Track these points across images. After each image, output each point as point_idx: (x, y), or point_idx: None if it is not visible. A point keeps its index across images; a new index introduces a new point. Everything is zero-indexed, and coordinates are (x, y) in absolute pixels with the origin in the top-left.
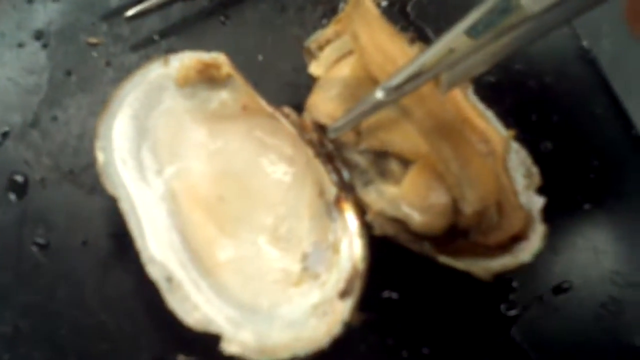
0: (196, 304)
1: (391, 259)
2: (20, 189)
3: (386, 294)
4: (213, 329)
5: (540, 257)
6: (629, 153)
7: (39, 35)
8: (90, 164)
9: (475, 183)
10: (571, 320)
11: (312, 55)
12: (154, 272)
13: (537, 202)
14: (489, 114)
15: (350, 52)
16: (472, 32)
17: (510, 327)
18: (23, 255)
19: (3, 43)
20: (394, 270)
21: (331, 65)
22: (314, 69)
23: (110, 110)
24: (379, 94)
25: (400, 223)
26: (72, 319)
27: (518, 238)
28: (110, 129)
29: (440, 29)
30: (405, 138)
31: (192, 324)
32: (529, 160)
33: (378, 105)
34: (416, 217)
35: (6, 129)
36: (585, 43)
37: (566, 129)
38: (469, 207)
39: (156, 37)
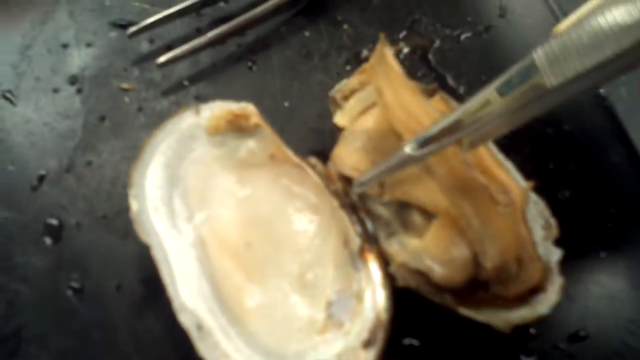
0: (226, 352)
1: (413, 309)
2: (56, 233)
3: (407, 341)
4: None
5: (557, 305)
6: None
7: (73, 80)
8: (124, 209)
9: (495, 239)
10: None
11: (337, 105)
12: (185, 320)
13: (555, 254)
14: (509, 164)
15: (374, 104)
16: (502, 90)
17: None
18: (59, 300)
19: (39, 87)
20: (416, 320)
21: (356, 117)
22: (339, 119)
23: (143, 158)
24: (406, 151)
25: (423, 275)
26: None
27: (536, 290)
28: (144, 178)
29: (460, 75)
30: (427, 192)
31: None
32: (547, 212)
33: (404, 163)
34: (438, 270)
35: (42, 172)
36: (602, 90)
37: (584, 177)
38: (489, 262)
39: (186, 83)
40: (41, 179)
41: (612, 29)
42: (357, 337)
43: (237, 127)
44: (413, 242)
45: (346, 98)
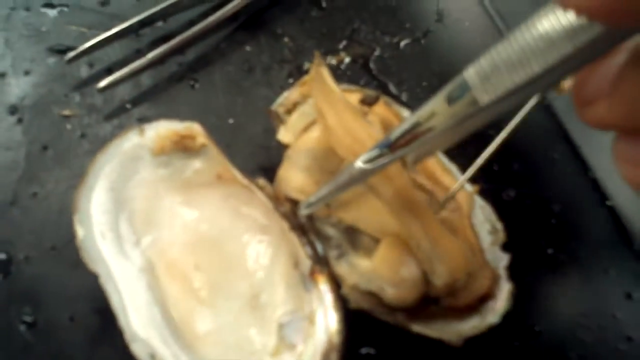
0: None
1: (367, 328)
2: (4, 268)
3: (363, 351)
4: None
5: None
6: (588, 195)
7: (13, 110)
8: (72, 239)
9: (445, 258)
10: None
11: (280, 120)
12: (138, 350)
13: (503, 259)
14: (453, 168)
15: (316, 120)
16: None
17: None
18: (12, 335)
19: None
20: (370, 338)
21: (299, 133)
22: (282, 135)
23: (87, 183)
24: (357, 166)
25: (374, 296)
26: None
27: (486, 297)
28: (89, 202)
29: (402, 82)
30: (373, 214)
31: None
32: (493, 216)
33: (353, 180)
34: (389, 291)
35: None
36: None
37: (527, 176)
38: (439, 280)
39: (128, 106)
40: None
41: (538, 45)
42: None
43: (182, 147)
44: (363, 263)
45: (289, 111)
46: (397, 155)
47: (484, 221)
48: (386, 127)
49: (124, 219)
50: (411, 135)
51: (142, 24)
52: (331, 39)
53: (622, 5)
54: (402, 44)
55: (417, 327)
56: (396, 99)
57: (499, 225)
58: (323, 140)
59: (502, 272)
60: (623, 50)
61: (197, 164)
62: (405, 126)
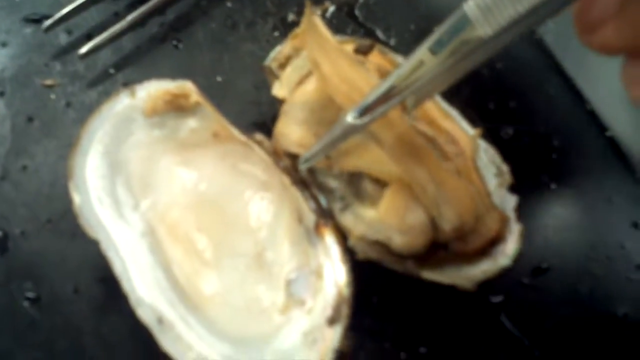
0: (189, 344)
1: (376, 279)
2: (1, 245)
3: (374, 300)
4: None
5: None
6: (586, 128)
7: None
8: (68, 210)
9: (451, 201)
10: (554, 299)
11: (274, 75)
12: (144, 315)
13: (511, 201)
14: (454, 113)
15: (311, 72)
16: (434, 49)
17: (499, 314)
18: (16, 313)
19: None
20: (378, 281)
21: (294, 87)
22: (277, 90)
23: (81, 147)
24: (348, 120)
25: (382, 245)
26: None
27: (496, 240)
28: (83, 168)
29: (389, 28)
30: (376, 161)
31: None
32: (498, 158)
33: (347, 133)
34: (397, 239)
35: None
36: None
37: (524, 113)
38: (447, 224)
39: (112, 71)
40: None
41: None
42: (321, 314)
43: (176, 107)
44: (368, 212)
45: (282, 66)
46: (388, 106)
47: (489, 164)
48: (382, 74)
49: (121, 183)
50: (404, 84)
51: None
52: None
53: None
54: None
55: (428, 274)
56: (385, 44)
57: (505, 167)
58: (319, 92)
59: (511, 213)
60: None
61: (191, 123)
62: (397, 75)
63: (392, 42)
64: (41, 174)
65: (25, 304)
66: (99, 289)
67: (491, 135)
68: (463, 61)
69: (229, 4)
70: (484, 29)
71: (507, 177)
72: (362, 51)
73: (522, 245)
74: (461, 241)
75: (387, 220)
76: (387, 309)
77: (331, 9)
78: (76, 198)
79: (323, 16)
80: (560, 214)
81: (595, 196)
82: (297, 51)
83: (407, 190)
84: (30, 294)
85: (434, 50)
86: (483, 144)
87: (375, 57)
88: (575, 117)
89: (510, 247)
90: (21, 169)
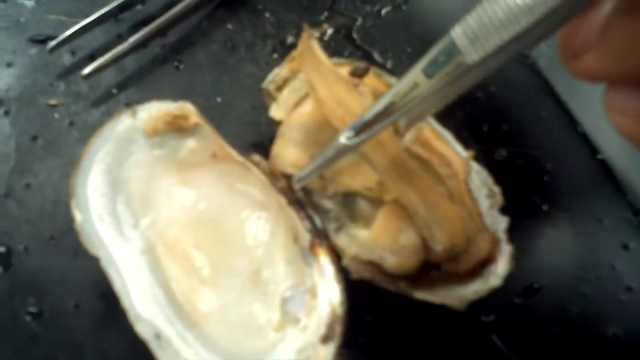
0: (186, 359)
1: (369, 299)
2: (5, 260)
3: (368, 319)
4: None
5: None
6: (578, 150)
7: None
8: (70, 227)
9: (443, 224)
10: (545, 318)
11: (272, 97)
12: (142, 330)
13: (502, 222)
14: (448, 135)
15: (308, 94)
16: (428, 72)
17: (490, 333)
18: (19, 327)
19: None
20: (372, 308)
21: (291, 109)
22: (274, 112)
23: (82, 167)
24: (341, 141)
25: (375, 265)
26: None
27: (487, 261)
28: (85, 186)
29: (386, 50)
30: (368, 182)
31: None
32: (490, 180)
33: (340, 153)
34: (389, 259)
35: None
36: None
37: (517, 135)
38: (439, 246)
39: (115, 91)
40: None
41: (525, 2)
42: (315, 332)
43: (176, 128)
44: (362, 233)
45: (279, 88)
46: (380, 127)
47: (481, 185)
48: (377, 97)
49: (121, 201)
50: (395, 107)
51: (121, 8)
52: (312, 12)
53: None
54: (384, 11)
55: (420, 294)
56: (381, 67)
57: (496, 189)
58: (315, 114)
59: (502, 235)
60: (609, 0)
61: (191, 143)
62: (389, 97)
63: (389, 64)
64: (44, 192)
65: (28, 318)
66: (99, 305)
67: (485, 157)
68: (453, 84)
69: (229, 26)
70: (470, 56)
71: (499, 199)
72: (358, 74)
73: (513, 265)
74: (453, 262)
75: (379, 241)
76: (381, 328)
77: (329, 31)
78: (78, 216)
79: (321, 38)
80: (552, 235)
81: (586, 218)
82: (294, 73)
83: (399, 211)
84: (33, 309)
85: (427, 73)
86: (475, 166)
87: (371, 80)
88: (567, 139)
89: (501, 268)
90: (25, 186)
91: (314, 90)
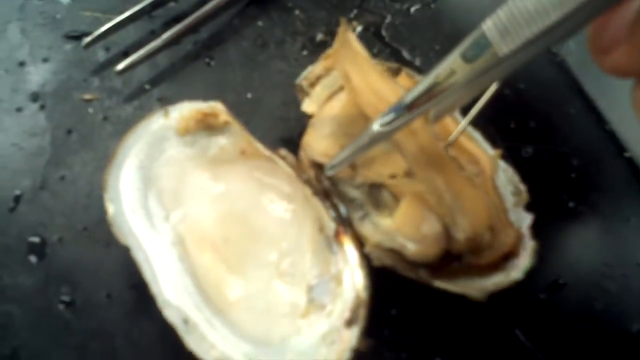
0: (213, 343)
1: (393, 285)
2: (40, 251)
3: (393, 312)
4: None
5: (530, 269)
6: (606, 148)
7: (35, 97)
8: (103, 219)
9: (467, 211)
10: (569, 314)
11: (304, 93)
12: (171, 315)
13: (526, 219)
14: (476, 134)
15: (340, 89)
16: (466, 57)
17: (514, 327)
18: (52, 315)
19: (2, 109)
20: (397, 295)
21: (323, 103)
22: (307, 106)
23: (116, 162)
24: (374, 128)
25: (397, 253)
26: None
27: (509, 255)
28: (118, 181)
29: (415, 47)
30: (395, 169)
31: None
32: (516, 178)
33: (373, 140)
34: (411, 247)
35: (17, 193)
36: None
37: (544, 133)
38: (461, 234)
39: (147, 87)
40: (17, 199)
41: None
42: (340, 317)
43: (206, 126)
44: (385, 221)
45: (312, 85)
46: (413, 116)
47: (507, 183)
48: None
49: (153, 196)
50: (428, 96)
51: (155, 5)
52: (342, 9)
53: None
54: (413, 9)
55: (440, 283)
56: (410, 64)
57: (522, 187)
58: (347, 107)
59: (526, 231)
60: None
61: (221, 141)
62: (422, 86)
63: (417, 61)
64: (78, 185)
65: (61, 307)
66: (130, 295)
67: (512, 154)
68: (483, 76)
69: (259, 23)
70: (501, 48)
71: (524, 196)
72: (390, 73)
73: (536, 260)
74: (476, 255)
75: (401, 229)
76: (405, 320)
77: (358, 28)
78: (110, 208)
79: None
80: (578, 232)
81: (612, 215)
82: (327, 71)
83: (422, 201)
84: (66, 298)
85: (465, 59)
86: (502, 164)
87: (403, 80)
88: (594, 137)
89: (523, 262)
90: (59, 179)
91: (348, 80)
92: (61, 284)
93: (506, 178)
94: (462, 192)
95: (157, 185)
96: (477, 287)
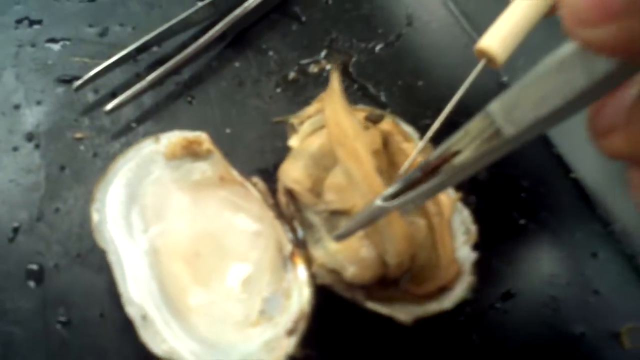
0: (165, 338)
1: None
2: (38, 276)
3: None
4: (177, 358)
5: (489, 269)
6: (553, 170)
7: (30, 137)
8: (95, 246)
9: (394, 240)
10: (520, 320)
11: (294, 129)
12: (132, 312)
13: (470, 257)
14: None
15: (323, 127)
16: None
17: (471, 333)
18: (50, 334)
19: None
20: (337, 312)
21: (305, 138)
22: (292, 141)
23: (106, 179)
24: (377, 204)
25: (337, 274)
26: None
27: (446, 288)
28: (105, 194)
29: (379, 83)
30: (351, 199)
31: (160, 354)
32: (469, 219)
33: (375, 215)
34: (349, 269)
35: (16, 225)
36: (505, 78)
37: None
38: (391, 260)
39: (134, 125)
40: (15, 230)
41: (557, 81)
42: (283, 327)
43: (191, 153)
44: (332, 245)
45: (301, 123)
46: (415, 194)
47: (460, 224)
48: (386, 139)
49: (136, 211)
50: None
51: (139, 50)
52: (312, 50)
53: (630, 41)
54: (377, 48)
55: (372, 305)
56: (375, 99)
57: (473, 228)
58: (324, 142)
59: (468, 267)
60: (637, 82)
61: (203, 167)
62: (425, 162)
63: (382, 96)
64: (72, 216)
65: (58, 326)
66: (121, 314)
67: (469, 178)
68: (487, 156)
69: (237, 64)
70: (506, 129)
71: (473, 236)
72: (372, 119)
73: (470, 294)
74: (416, 284)
75: (343, 252)
76: (359, 325)
77: (327, 67)
78: (95, 216)
79: (320, 74)
80: (528, 246)
81: (560, 230)
82: (318, 112)
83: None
84: (62, 318)
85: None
86: (459, 206)
87: (388, 125)
88: (543, 160)
89: (456, 294)
90: (54, 211)
91: (323, 113)
92: (58, 306)
93: (461, 219)
94: (391, 221)
95: (141, 201)
96: (407, 311)
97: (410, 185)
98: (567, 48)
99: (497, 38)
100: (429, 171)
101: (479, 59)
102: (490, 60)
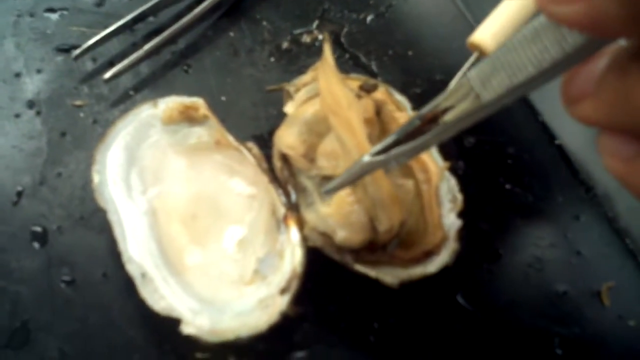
0: (163, 295)
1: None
2: (42, 238)
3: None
4: (175, 314)
5: (476, 232)
6: (538, 137)
7: (31, 104)
8: (97, 209)
9: (385, 205)
10: (505, 280)
11: (290, 96)
12: (131, 270)
13: (455, 224)
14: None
15: (317, 94)
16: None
17: (456, 293)
18: (55, 293)
19: (2, 115)
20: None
21: (300, 104)
22: (288, 108)
23: (106, 141)
24: (365, 160)
25: (328, 237)
26: (106, 338)
27: (431, 253)
28: (105, 156)
29: (370, 52)
30: (343, 166)
31: (158, 310)
32: (456, 188)
33: (363, 171)
34: (339, 233)
35: (20, 189)
36: None
37: (484, 125)
38: (381, 226)
39: (131, 92)
40: (19, 194)
41: (533, 51)
42: (276, 286)
43: (188, 118)
44: (324, 209)
45: (298, 91)
46: (401, 150)
47: (448, 192)
48: (379, 108)
49: (135, 173)
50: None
51: (136, 20)
52: (305, 20)
53: (596, 17)
54: (368, 19)
55: (360, 267)
56: (366, 68)
57: (459, 196)
58: (317, 109)
59: (453, 234)
60: (605, 53)
61: (199, 131)
62: (410, 122)
63: (373, 65)
64: (74, 180)
65: (62, 285)
66: (123, 274)
67: (456, 143)
68: (466, 119)
69: (231, 34)
70: (483, 95)
71: (459, 204)
72: (366, 89)
73: (453, 260)
74: (403, 249)
75: (334, 216)
76: (348, 286)
77: (320, 37)
78: (95, 178)
79: (313, 44)
80: (514, 210)
81: (543, 195)
82: (313, 80)
83: (357, 194)
84: (67, 278)
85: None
86: (447, 174)
87: (382, 95)
88: (528, 127)
89: (441, 259)
90: (56, 175)
91: (317, 82)
92: (62, 266)
93: (448, 187)
94: (382, 186)
95: (140, 164)
96: (393, 274)
97: (396, 142)
98: (541, 21)
99: (489, 32)
100: (425, 122)
101: (472, 51)
102: (482, 52)
